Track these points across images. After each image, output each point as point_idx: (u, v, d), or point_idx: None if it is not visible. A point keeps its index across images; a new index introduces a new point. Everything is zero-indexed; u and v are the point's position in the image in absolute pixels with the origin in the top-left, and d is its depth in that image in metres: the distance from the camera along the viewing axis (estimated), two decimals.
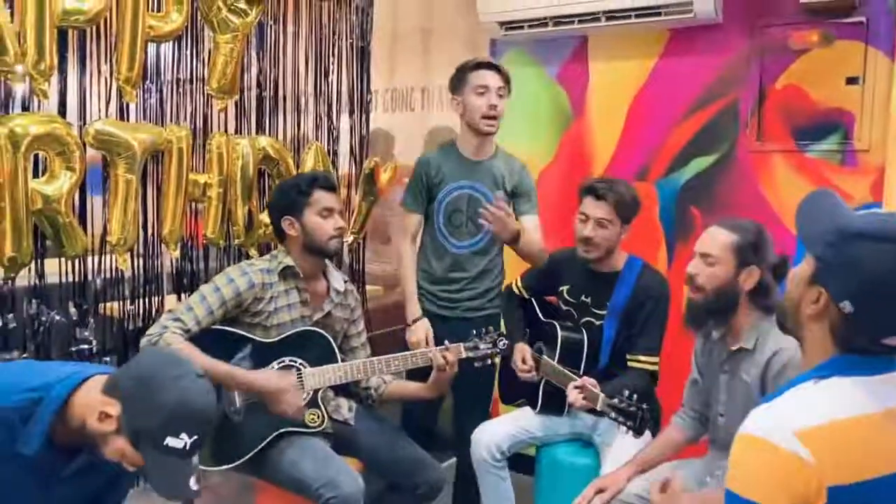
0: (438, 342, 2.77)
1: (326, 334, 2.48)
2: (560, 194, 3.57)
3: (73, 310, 2.26)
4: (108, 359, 2.34)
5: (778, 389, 1.35)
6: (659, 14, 3.14)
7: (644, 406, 2.21)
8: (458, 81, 2.84)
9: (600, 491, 2.29)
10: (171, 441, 1.48)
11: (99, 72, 2.26)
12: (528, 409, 2.80)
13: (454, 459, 3.04)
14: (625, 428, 2.30)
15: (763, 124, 3.13)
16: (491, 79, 2.79)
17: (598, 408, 2.33)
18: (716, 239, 2.15)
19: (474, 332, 2.58)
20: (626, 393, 2.27)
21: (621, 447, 2.51)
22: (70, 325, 2.26)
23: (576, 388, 2.39)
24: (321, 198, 2.46)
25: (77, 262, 2.26)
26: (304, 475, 2.30)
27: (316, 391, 2.44)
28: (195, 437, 1.51)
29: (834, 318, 1.31)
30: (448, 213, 2.87)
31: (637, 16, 3.18)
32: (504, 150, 2.97)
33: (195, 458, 1.56)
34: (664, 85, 3.33)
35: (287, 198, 2.47)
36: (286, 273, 2.46)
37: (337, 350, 2.48)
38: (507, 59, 3.67)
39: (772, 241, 2.17)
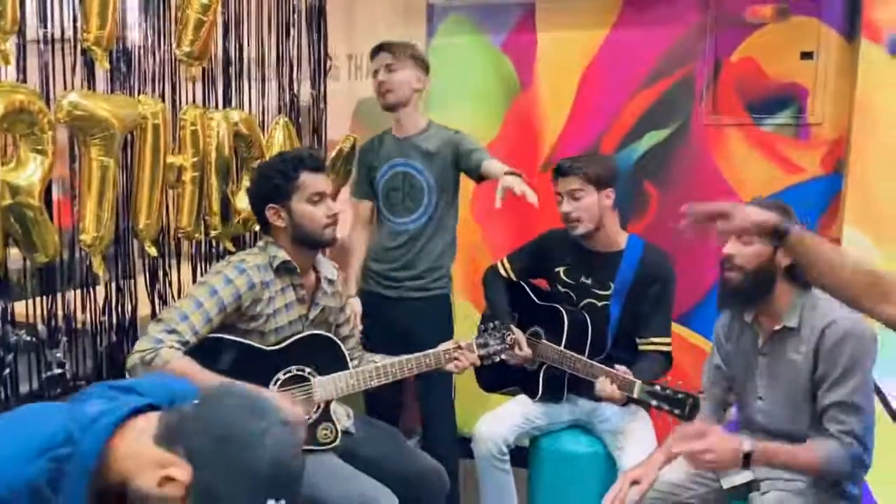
0: (382, 322, 2.76)
1: (335, 338, 2.20)
2: None
3: (41, 327, 1.82)
4: (82, 383, 1.92)
5: None
6: None
7: (694, 392, 2.14)
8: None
9: (634, 482, 2.21)
10: None
11: (62, 30, 1.81)
12: (523, 397, 2.66)
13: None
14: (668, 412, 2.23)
15: (718, 97, 3.14)
16: (379, 61, 2.77)
17: (636, 395, 2.23)
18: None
19: (482, 328, 2.44)
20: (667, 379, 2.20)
21: (640, 433, 2.45)
22: (39, 346, 1.82)
23: (606, 378, 2.29)
24: (309, 181, 2.16)
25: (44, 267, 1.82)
26: (330, 499, 2.03)
27: (327, 402, 2.16)
28: (284, 502, 1.19)
29: None
30: (386, 191, 2.84)
31: None
32: (437, 124, 2.86)
33: None
34: (616, 56, 3.23)
35: (269, 183, 2.14)
36: (281, 269, 2.15)
37: (347, 354, 2.20)
38: (447, 26, 3.45)
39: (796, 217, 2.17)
